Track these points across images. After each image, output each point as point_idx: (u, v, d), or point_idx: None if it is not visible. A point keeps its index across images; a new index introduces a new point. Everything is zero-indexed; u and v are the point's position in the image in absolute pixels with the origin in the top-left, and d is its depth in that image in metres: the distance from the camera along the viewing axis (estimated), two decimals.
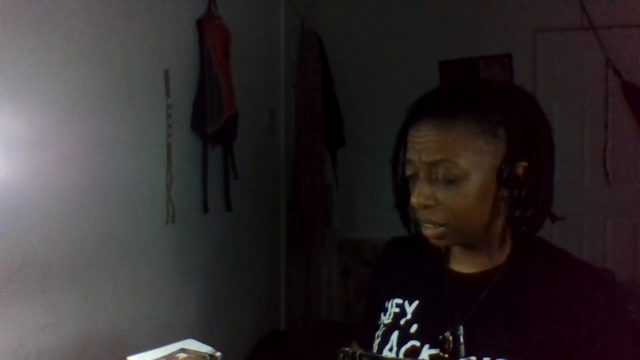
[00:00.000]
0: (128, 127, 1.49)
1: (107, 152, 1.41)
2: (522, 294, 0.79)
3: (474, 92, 0.81)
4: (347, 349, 0.79)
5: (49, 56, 1.20)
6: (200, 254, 1.92)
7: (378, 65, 3.40)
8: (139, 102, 1.53)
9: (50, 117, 1.21)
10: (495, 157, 0.77)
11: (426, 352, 0.82)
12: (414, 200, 0.79)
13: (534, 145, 0.77)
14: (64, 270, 1.26)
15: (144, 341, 1.35)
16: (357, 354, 0.78)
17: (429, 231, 0.81)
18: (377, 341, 0.90)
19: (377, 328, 0.92)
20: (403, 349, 0.84)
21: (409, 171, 0.82)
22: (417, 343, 0.83)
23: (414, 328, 0.85)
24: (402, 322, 0.87)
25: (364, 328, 0.99)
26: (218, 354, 0.89)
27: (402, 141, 0.84)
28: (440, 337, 0.80)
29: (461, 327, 0.79)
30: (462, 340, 0.79)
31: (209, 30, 1.83)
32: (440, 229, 0.79)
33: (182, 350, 0.92)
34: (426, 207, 0.79)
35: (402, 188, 0.86)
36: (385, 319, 0.90)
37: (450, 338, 0.79)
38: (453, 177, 0.76)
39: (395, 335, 0.86)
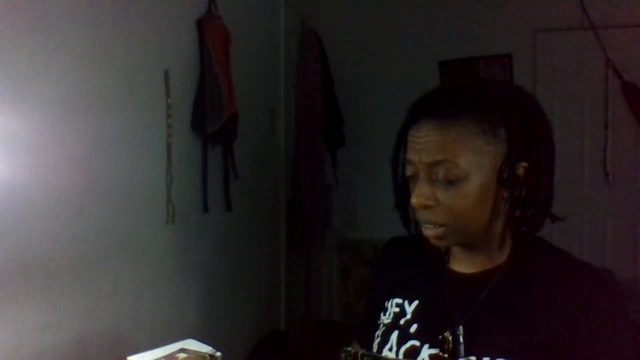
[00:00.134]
0: (128, 127, 1.49)
1: (107, 152, 1.41)
2: (522, 294, 0.79)
3: (475, 92, 0.80)
4: (349, 348, 0.79)
5: (49, 56, 1.20)
6: (200, 254, 1.92)
7: (378, 65, 3.40)
8: (139, 102, 1.53)
9: (50, 117, 1.21)
10: (495, 158, 0.77)
11: (426, 351, 0.82)
12: (414, 200, 0.79)
13: (534, 145, 0.77)
14: (64, 270, 1.26)
15: (144, 341, 1.35)
16: (359, 354, 0.78)
17: (429, 231, 0.81)
18: (376, 341, 0.90)
19: (377, 328, 0.92)
20: (403, 349, 0.84)
21: (409, 171, 0.82)
22: (416, 343, 0.83)
23: (413, 328, 0.85)
24: (402, 321, 0.87)
25: (364, 328, 0.99)
26: (218, 354, 0.89)
27: (402, 141, 0.84)
28: (440, 337, 0.80)
29: (461, 327, 0.79)
30: (461, 340, 0.79)
31: (209, 30, 1.83)
32: (441, 230, 0.79)
33: (182, 350, 0.92)
34: (426, 207, 0.79)
35: (402, 188, 0.86)
36: (385, 318, 0.90)
37: (450, 338, 0.79)
38: (453, 178, 0.76)
39: (395, 335, 0.86)
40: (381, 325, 0.91)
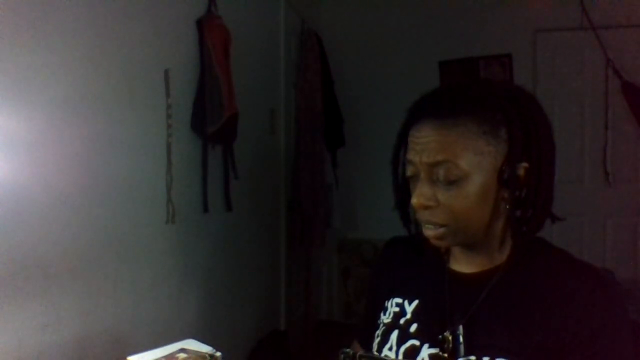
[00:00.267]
0: (128, 127, 1.49)
1: (107, 152, 1.41)
2: (522, 294, 0.79)
3: (475, 92, 0.81)
4: (347, 349, 0.79)
5: (49, 56, 1.20)
6: (200, 254, 1.92)
7: (378, 65, 3.40)
8: (139, 102, 1.53)
9: (50, 117, 1.21)
10: (496, 158, 0.77)
11: (426, 351, 0.82)
12: (414, 201, 0.79)
13: (534, 145, 0.77)
14: (64, 270, 1.26)
15: (144, 341, 1.35)
16: (357, 355, 0.78)
17: (429, 232, 0.81)
18: (376, 340, 0.90)
19: (377, 327, 0.92)
20: (402, 348, 0.84)
21: (409, 172, 0.82)
22: (416, 342, 0.84)
23: (413, 327, 0.85)
24: (402, 321, 0.87)
25: (365, 328, 0.99)
26: (218, 354, 0.89)
27: (402, 141, 0.84)
28: (440, 336, 0.80)
29: (461, 327, 0.79)
30: (461, 339, 0.79)
31: (209, 30, 1.83)
32: (441, 230, 0.79)
33: (182, 350, 0.92)
34: (427, 207, 0.79)
35: (403, 188, 0.86)
36: (385, 318, 0.91)
37: (450, 338, 0.79)
38: (454, 178, 0.76)
39: (395, 335, 0.86)
40: (381, 325, 0.91)
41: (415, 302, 0.88)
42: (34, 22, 1.15)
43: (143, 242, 1.58)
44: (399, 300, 0.90)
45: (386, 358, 0.85)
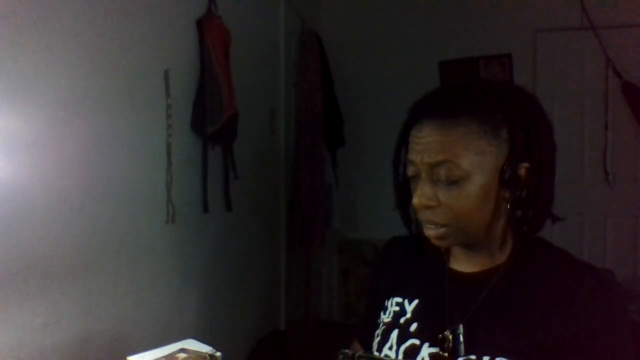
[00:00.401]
0: (128, 127, 1.49)
1: (107, 152, 1.41)
2: (522, 293, 0.79)
3: (476, 92, 0.81)
4: (347, 350, 0.79)
5: (49, 56, 1.20)
6: (200, 254, 1.92)
7: (378, 65, 3.40)
8: (139, 102, 1.53)
9: (50, 117, 1.21)
10: (497, 158, 0.77)
11: (426, 350, 0.82)
12: (415, 201, 0.79)
13: (535, 146, 0.77)
14: (64, 270, 1.26)
15: (144, 341, 1.35)
16: (357, 355, 0.78)
17: (430, 232, 0.81)
18: (376, 340, 0.90)
19: (378, 327, 0.92)
20: (403, 348, 0.84)
21: (410, 172, 0.82)
22: (416, 342, 0.84)
23: (413, 327, 0.85)
24: (402, 320, 0.87)
25: (365, 327, 0.99)
26: (218, 354, 0.89)
27: (403, 141, 0.84)
28: (440, 335, 0.80)
29: (461, 326, 0.79)
30: (461, 339, 0.79)
31: (209, 30, 1.83)
32: (442, 230, 0.79)
33: (182, 350, 0.92)
34: (428, 207, 0.79)
35: (404, 188, 0.86)
36: (385, 317, 0.91)
37: (450, 337, 0.79)
38: (455, 178, 0.76)
39: (395, 334, 0.86)
40: (381, 324, 0.91)
41: (416, 302, 0.88)
42: (34, 22, 1.15)
43: (143, 242, 1.58)
44: (399, 299, 0.90)
45: (385, 358, 0.85)
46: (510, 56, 3.19)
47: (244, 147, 2.16)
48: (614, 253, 3.05)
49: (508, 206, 0.79)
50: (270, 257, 2.66)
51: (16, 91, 1.12)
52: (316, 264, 3.24)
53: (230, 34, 1.93)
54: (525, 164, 0.78)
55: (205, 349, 0.92)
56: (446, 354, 0.79)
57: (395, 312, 0.89)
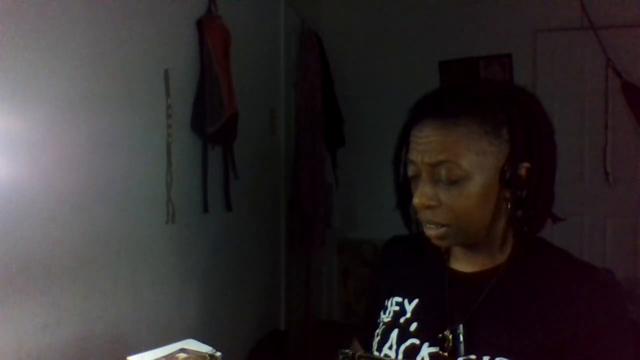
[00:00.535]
0: (128, 127, 1.49)
1: (107, 152, 1.41)
2: (523, 293, 0.79)
3: (477, 92, 0.81)
4: (347, 350, 0.79)
5: (50, 56, 1.20)
6: (200, 254, 1.92)
7: (378, 65, 3.40)
8: (139, 102, 1.53)
9: (50, 117, 1.21)
10: (498, 158, 0.77)
11: (426, 350, 0.82)
12: (416, 200, 0.79)
13: (536, 146, 0.77)
14: (64, 270, 1.26)
15: (144, 341, 1.36)
16: (357, 355, 0.78)
17: (431, 232, 0.81)
18: (376, 339, 0.90)
19: (377, 326, 0.92)
20: (402, 347, 0.84)
21: (411, 172, 0.82)
22: (416, 341, 0.84)
23: (413, 326, 0.85)
24: (402, 320, 0.87)
25: (365, 327, 0.99)
26: (218, 354, 0.89)
27: (404, 141, 0.84)
28: (440, 335, 0.80)
29: (461, 326, 0.79)
30: (461, 339, 0.79)
31: (209, 30, 1.83)
32: (443, 230, 0.79)
33: (182, 350, 0.92)
34: (428, 207, 0.79)
35: (404, 188, 0.86)
36: (385, 317, 0.91)
37: (450, 337, 0.79)
38: (456, 178, 0.76)
39: (394, 334, 0.87)
40: (381, 324, 0.91)
41: (415, 301, 0.88)
42: (34, 22, 1.15)
43: (143, 242, 1.58)
44: (399, 299, 0.90)
45: (385, 358, 0.85)
46: (510, 56, 3.19)
47: (244, 147, 2.16)
48: (614, 253, 3.05)
49: (508, 206, 0.79)
50: (270, 257, 2.66)
51: (16, 91, 1.12)
52: (316, 264, 3.24)
53: (230, 34, 1.93)
54: (526, 164, 0.78)
55: (205, 349, 0.92)
56: (446, 354, 0.79)
57: (395, 311, 0.89)
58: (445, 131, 0.77)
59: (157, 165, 1.64)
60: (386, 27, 3.39)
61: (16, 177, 1.12)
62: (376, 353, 0.88)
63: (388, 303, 0.92)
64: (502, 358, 0.75)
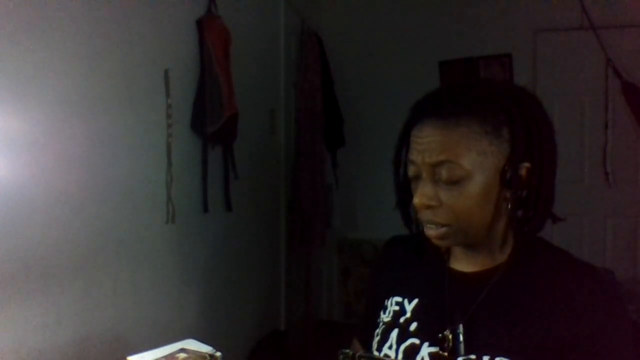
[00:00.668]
0: (128, 127, 1.49)
1: (107, 152, 1.41)
2: (523, 293, 0.79)
3: (477, 92, 0.81)
4: (347, 350, 0.79)
5: (49, 56, 1.20)
6: (200, 254, 1.92)
7: (378, 65, 3.40)
8: (139, 102, 1.53)
9: (50, 117, 1.21)
10: (498, 158, 0.77)
11: (425, 349, 0.82)
12: (416, 200, 0.79)
13: (537, 146, 0.77)
14: (64, 270, 1.26)
15: (144, 341, 1.35)
16: (357, 355, 0.78)
17: (431, 232, 0.81)
18: (376, 339, 0.90)
19: (377, 326, 0.92)
20: (402, 347, 0.84)
21: (411, 172, 0.82)
22: (416, 341, 0.84)
23: (413, 326, 0.85)
24: (402, 320, 0.87)
25: (365, 327, 0.99)
26: (218, 354, 0.89)
27: (404, 141, 0.84)
28: (440, 335, 0.80)
29: (461, 326, 0.79)
30: (461, 338, 0.79)
31: (209, 30, 1.83)
32: (443, 230, 0.79)
33: (182, 350, 0.92)
34: (429, 207, 0.79)
35: (404, 188, 0.86)
36: (385, 317, 0.91)
37: (450, 336, 0.79)
38: (456, 178, 0.76)
39: (394, 333, 0.86)
40: (381, 324, 0.91)
41: (415, 301, 0.88)
42: (34, 22, 1.15)
43: (143, 242, 1.58)
44: (399, 299, 0.90)
45: (385, 358, 0.85)
46: (510, 56, 3.19)
47: (244, 147, 2.16)
48: (614, 253, 3.05)
49: (509, 206, 0.79)
50: (270, 257, 2.66)
51: (16, 91, 1.12)
52: (316, 264, 3.23)
53: (230, 34, 1.93)
54: (526, 164, 0.78)
55: (205, 349, 0.92)
56: (446, 354, 0.79)
57: (395, 311, 0.89)
58: (446, 131, 0.77)
59: (157, 165, 1.64)
60: (386, 27, 3.39)
61: (16, 177, 1.12)
62: (376, 353, 0.88)
63: (388, 303, 0.92)
64: (502, 358, 0.75)
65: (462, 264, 0.87)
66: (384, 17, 3.39)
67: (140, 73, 1.54)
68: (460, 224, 0.79)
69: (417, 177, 0.80)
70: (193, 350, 0.92)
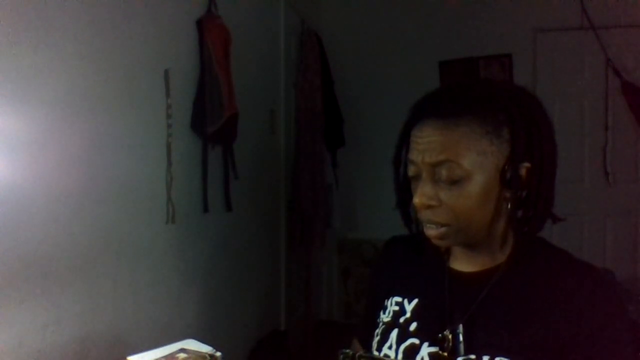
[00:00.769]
0: (128, 127, 1.49)
1: (107, 152, 1.41)
2: (522, 293, 0.79)
3: (478, 92, 0.81)
4: (347, 350, 0.79)
5: (49, 56, 1.20)
6: (200, 254, 1.92)
7: (378, 65, 3.40)
8: (139, 102, 1.53)
9: (50, 117, 1.21)
10: (498, 158, 0.77)
11: (425, 349, 0.82)
12: (416, 200, 0.79)
13: (537, 146, 0.77)
14: (64, 270, 1.26)
15: (144, 341, 1.35)
16: (357, 355, 0.78)
17: (431, 231, 0.81)
18: (376, 339, 0.90)
19: (377, 326, 0.92)
20: (402, 347, 0.84)
21: (411, 172, 0.82)
22: (416, 341, 0.84)
23: (413, 326, 0.85)
24: (402, 320, 0.87)
25: (365, 327, 0.99)
26: (218, 354, 0.89)
27: (404, 141, 0.84)
28: (440, 335, 0.80)
29: (460, 326, 0.79)
30: (461, 338, 0.79)
31: (209, 30, 1.83)
32: (443, 229, 0.79)
33: (182, 350, 0.92)
34: (429, 207, 0.79)
35: (404, 188, 0.86)
36: (385, 317, 0.91)
37: (450, 336, 0.79)
38: (456, 178, 0.76)
39: (394, 333, 0.86)
40: (381, 324, 0.91)
41: (415, 301, 0.88)
42: (34, 22, 1.15)
43: (143, 242, 1.58)
44: (399, 299, 0.90)
45: (385, 358, 0.85)
46: (510, 56, 3.19)
47: (244, 147, 2.16)
48: (614, 253, 3.05)
49: (509, 206, 0.79)
50: (270, 257, 2.66)
51: (16, 91, 1.12)
52: (316, 264, 3.24)
53: (230, 34, 1.93)
54: (527, 164, 0.78)
55: (205, 349, 0.92)
56: (446, 354, 0.79)
57: (394, 311, 0.89)
58: (446, 131, 0.77)
59: (157, 165, 1.64)
60: (386, 27, 3.39)
61: (16, 177, 1.12)
62: (376, 353, 0.88)
63: (388, 303, 0.92)
64: (502, 358, 0.75)
65: (462, 264, 0.87)
66: (384, 17, 3.39)
67: (140, 73, 1.54)
68: (460, 224, 0.79)
69: (417, 177, 0.80)
70: (193, 350, 0.92)
